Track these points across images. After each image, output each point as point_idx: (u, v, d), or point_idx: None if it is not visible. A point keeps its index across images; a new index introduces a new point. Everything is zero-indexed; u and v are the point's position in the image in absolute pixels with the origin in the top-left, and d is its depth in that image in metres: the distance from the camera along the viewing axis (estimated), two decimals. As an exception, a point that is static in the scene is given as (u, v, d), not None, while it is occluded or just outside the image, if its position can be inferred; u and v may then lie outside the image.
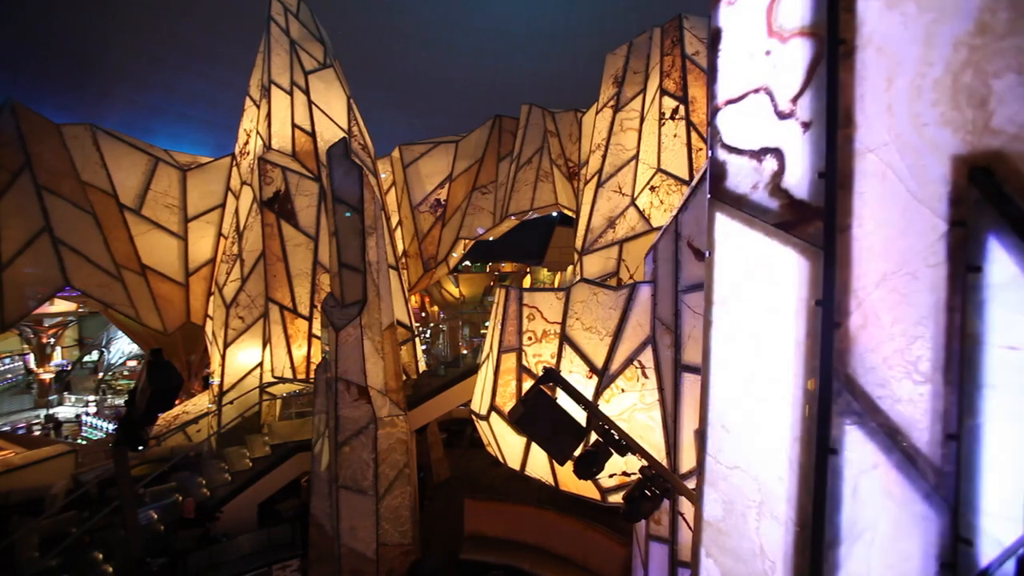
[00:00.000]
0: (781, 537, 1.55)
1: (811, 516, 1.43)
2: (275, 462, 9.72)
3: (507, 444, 7.08)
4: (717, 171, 1.74)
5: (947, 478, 1.30)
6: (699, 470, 1.92)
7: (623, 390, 6.23)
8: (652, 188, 10.83)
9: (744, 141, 1.63)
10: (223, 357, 11.83)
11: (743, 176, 1.64)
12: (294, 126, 12.31)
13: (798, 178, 1.48)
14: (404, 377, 9.01)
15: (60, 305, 23.26)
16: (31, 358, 24.20)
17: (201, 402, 12.98)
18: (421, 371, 13.09)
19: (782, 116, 1.48)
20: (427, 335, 20.15)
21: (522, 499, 9.20)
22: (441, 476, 12.36)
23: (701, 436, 1.88)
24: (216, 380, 12.19)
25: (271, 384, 11.85)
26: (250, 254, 11.95)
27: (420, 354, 13.48)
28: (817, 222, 1.41)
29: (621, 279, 10.85)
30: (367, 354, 7.63)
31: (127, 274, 12.49)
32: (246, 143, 13.05)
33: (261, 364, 11.91)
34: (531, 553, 8.43)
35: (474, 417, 7.86)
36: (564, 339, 6.73)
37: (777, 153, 1.51)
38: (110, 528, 8.34)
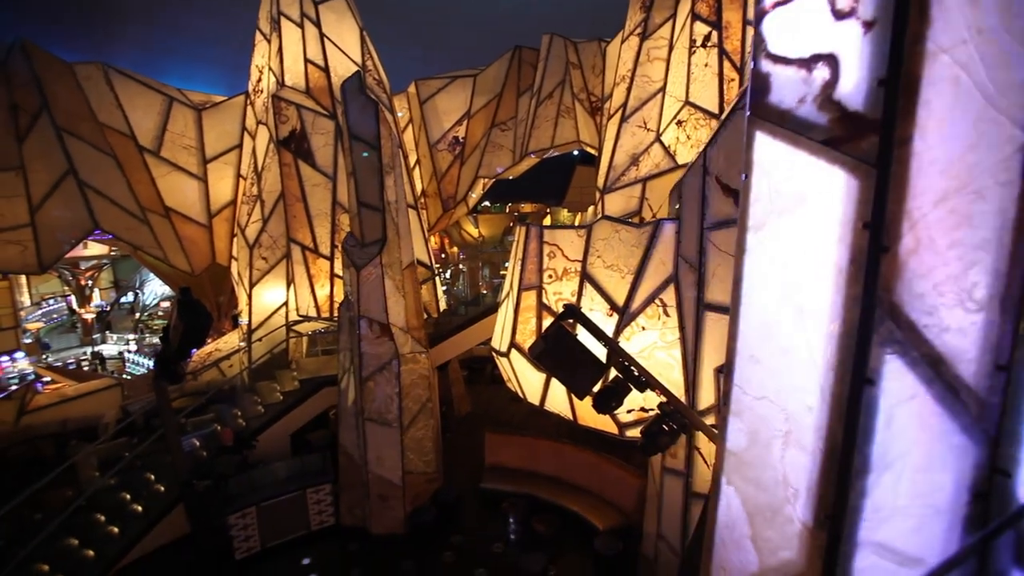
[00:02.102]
0: (806, 466, 1.54)
1: (841, 446, 1.40)
2: (304, 396, 10.17)
3: (527, 380, 7.23)
4: (760, 84, 1.58)
5: (990, 409, 1.24)
6: (724, 401, 1.90)
7: (644, 328, 6.22)
8: (679, 123, 10.30)
9: (793, 48, 1.46)
10: (249, 297, 12.14)
11: (789, 89, 1.49)
12: (306, 61, 11.89)
13: (853, 88, 1.32)
14: (425, 316, 9.15)
15: (94, 248, 23.99)
16: (73, 299, 25.30)
17: (232, 340, 13.50)
18: (442, 310, 13.28)
19: (840, 16, 1.31)
20: (447, 275, 20.31)
21: (541, 433, 9.52)
22: (462, 411, 12.82)
23: (728, 367, 1.84)
24: (244, 319, 12.60)
25: (297, 322, 12.20)
26: (269, 195, 11.95)
27: (440, 293, 13.63)
28: (872, 136, 1.27)
29: (643, 218, 10.59)
30: (388, 293, 7.72)
31: (152, 216, 12.67)
32: (259, 80, 12.71)
33: (286, 303, 12.22)
34: (548, 483, 8.82)
35: (494, 354, 8.01)
36: (585, 277, 6.67)
37: (830, 60, 1.35)
38: (158, 453, 8.97)
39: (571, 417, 6.88)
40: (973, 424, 1.27)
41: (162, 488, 8.51)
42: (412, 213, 11.95)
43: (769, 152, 1.57)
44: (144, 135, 12.91)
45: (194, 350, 10.35)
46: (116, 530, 7.89)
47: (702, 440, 5.76)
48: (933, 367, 1.28)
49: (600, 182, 12.14)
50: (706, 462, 5.82)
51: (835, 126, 1.34)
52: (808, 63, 1.42)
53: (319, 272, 11.88)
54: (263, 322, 12.13)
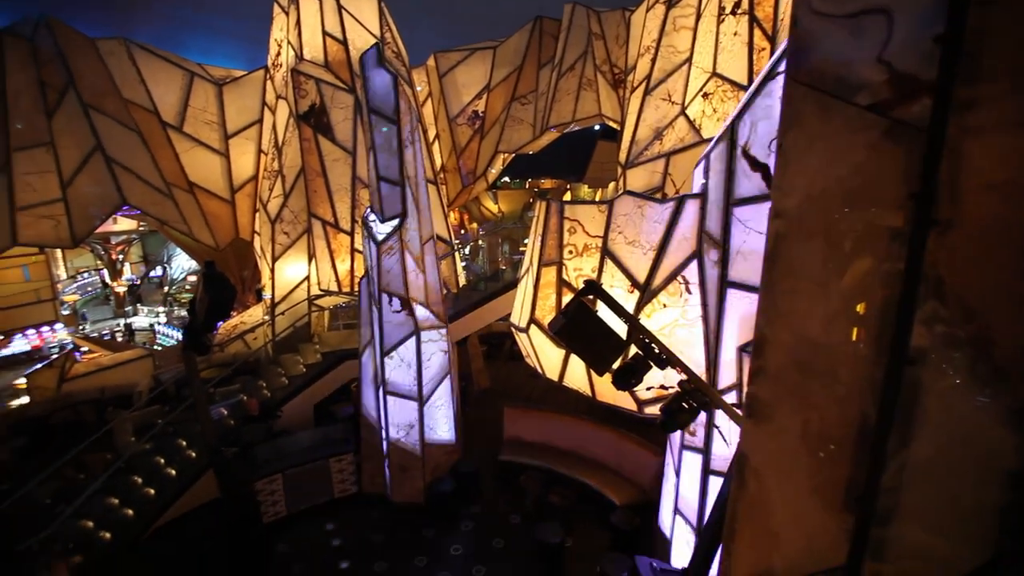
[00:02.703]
0: (839, 440, 1.49)
1: (875, 428, 1.35)
2: (326, 368, 10.40)
3: (546, 356, 7.25)
4: (801, 45, 1.48)
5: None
6: (752, 379, 1.85)
7: (665, 305, 6.14)
8: (705, 95, 9.95)
9: (839, 4, 1.36)
10: (272, 271, 12.35)
11: (834, 48, 1.39)
12: (325, 34, 11.76)
13: (906, 45, 1.23)
14: (444, 291, 9.19)
15: (123, 223, 24.64)
16: (105, 273, 26.11)
17: (256, 314, 13.79)
18: (461, 285, 13.33)
19: (894, -34, 1.20)
20: (466, 251, 20.32)
21: (559, 408, 9.59)
22: (481, 385, 12.96)
23: (758, 343, 1.79)
24: (268, 293, 12.84)
25: (318, 297, 12.39)
26: (290, 170, 12.02)
27: (460, 269, 13.65)
28: (924, 99, 1.18)
29: (666, 194, 10.36)
30: (408, 267, 7.75)
31: (177, 192, 12.87)
32: (278, 54, 12.64)
33: (308, 278, 12.40)
34: (566, 457, 8.91)
35: (514, 330, 8.03)
36: (606, 253, 6.59)
37: (882, 16, 1.25)
38: (188, 421, 9.32)
39: (590, 393, 6.90)
40: (1021, 411, 1.21)
41: (193, 454, 8.86)
42: (432, 188, 11.91)
43: (809, 116, 1.47)
44: (167, 110, 13.03)
45: (220, 323, 10.62)
46: (152, 492, 8.28)
47: (722, 418, 5.72)
48: (982, 348, 1.21)
49: (622, 157, 11.88)
50: (725, 440, 5.79)
51: (883, 88, 1.25)
52: (856, 19, 1.32)
53: (340, 247, 11.98)
54: (286, 296, 12.35)
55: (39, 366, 14.66)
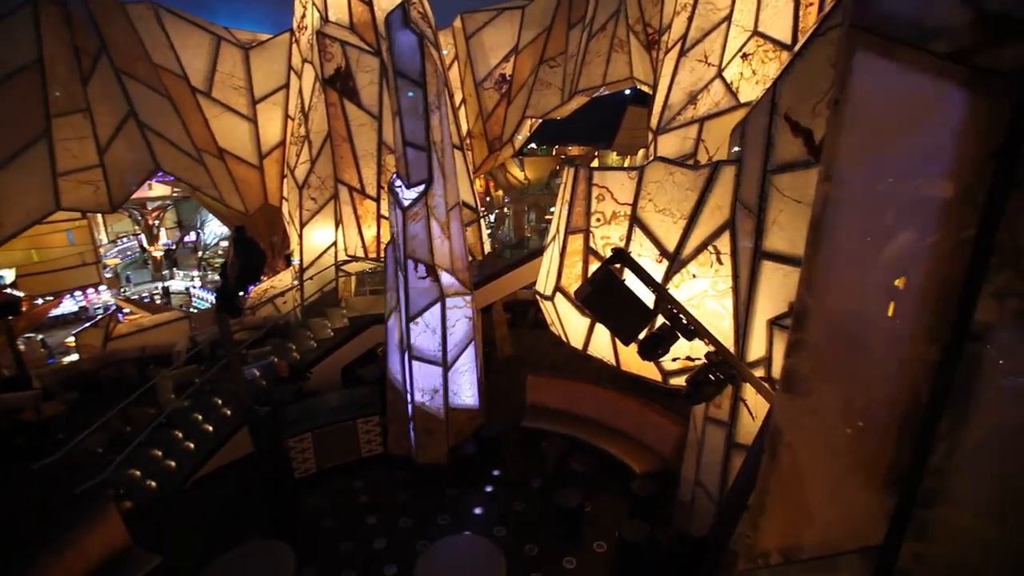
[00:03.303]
0: (884, 417, 1.42)
1: (925, 408, 1.27)
2: (353, 332, 10.62)
3: (571, 324, 7.21)
4: (868, -13, 1.33)
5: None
6: (789, 352, 1.77)
7: (694, 276, 5.99)
8: (744, 56, 9.41)
9: (916, -62, 1.20)
10: (300, 237, 12.52)
11: (907, -10, 1.24)
12: (349, -6, 11.51)
13: (995, -18, 1.08)
14: (470, 258, 9.17)
15: (158, 189, 25.28)
16: (143, 238, 27.00)
17: (285, 279, 14.10)
18: (486, 253, 13.30)
19: None
20: (492, 219, 20.18)
21: (582, 377, 9.61)
22: (505, 352, 13.06)
23: (799, 314, 1.70)
24: (296, 259, 13.07)
25: (345, 262, 12.56)
26: (316, 135, 12.01)
27: (485, 236, 13.59)
28: (1016, 45, 1.04)
29: (699, 161, 9.98)
30: (433, 234, 7.73)
31: (207, 157, 13.04)
32: (303, 16, 12.45)
33: (335, 243, 12.54)
34: (588, 425, 8.98)
35: (539, 298, 7.99)
36: (634, 221, 6.42)
37: (968, -51, 1.10)
38: (223, 381, 9.70)
39: (614, 363, 6.86)
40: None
41: (228, 412, 9.26)
42: (458, 154, 11.75)
43: (872, 71, 1.34)
44: (195, 75, 13.07)
45: (251, 286, 10.88)
46: (192, 446, 8.72)
47: (748, 391, 5.64)
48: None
49: (653, 122, 11.44)
50: (751, 414, 5.72)
51: (967, 33, 1.11)
52: (936, -45, 1.17)
53: (366, 213, 12.04)
54: (313, 261, 12.56)
55: (86, 325, 15.43)
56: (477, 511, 7.71)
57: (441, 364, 8.21)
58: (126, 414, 9.16)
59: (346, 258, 12.48)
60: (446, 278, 8.04)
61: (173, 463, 8.43)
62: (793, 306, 5.17)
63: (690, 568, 5.38)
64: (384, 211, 11.88)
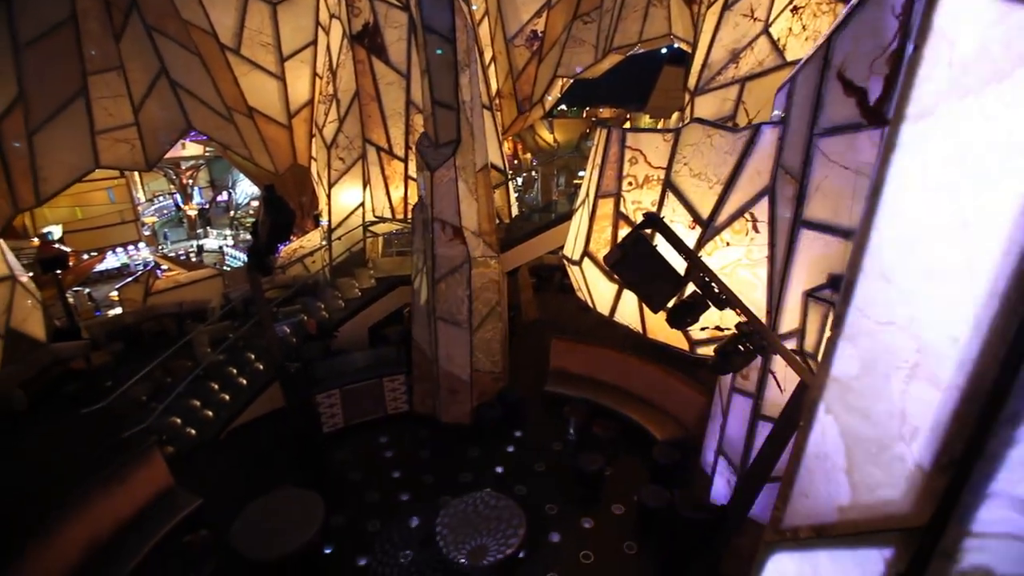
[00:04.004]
0: (936, 403, 1.33)
1: (991, 386, 1.18)
2: (380, 293, 10.75)
3: (597, 290, 7.12)
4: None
5: None
6: (836, 323, 1.68)
7: (728, 243, 5.79)
8: (794, 9, 8.77)
9: None
10: (328, 197, 12.59)
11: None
12: (378, -56, 11.09)
13: None
14: (497, 221, 9.08)
15: (191, 148, 25.68)
16: (178, 197, 27.67)
17: (314, 239, 14.29)
18: (514, 216, 13.16)
19: None
20: (520, 182, 19.88)
21: (607, 344, 9.57)
22: (530, 316, 13.08)
23: (847, 287, 1.60)
24: (325, 219, 13.19)
25: (373, 223, 12.62)
26: (344, 94, 11.87)
27: (513, 199, 13.42)
28: None
29: (738, 125, 9.51)
30: (461, 195, 7.65)
31: (237, 116, 13.07)
32: (330, -32, 12.13)
33: (363, 204, 12.58)
34: (611, 391, 9.00)
35: (566, 262, 7.89)
36: (668, 186, 6.20)
37: None
38: (255, 337, 10.02)
39: (640, 330, 6.77)
40: None
41: (260, 367, 9.60)
42: (487, 114, 11.48)
43: (960, 11, 1.18)
44: (224, 32, 12.94)
45: (281, 245, 11.07)
46: (227, 397, 9.12)
47: (777, 364, 5.51)
48: None
49: (691, 82, 10.89)
50: (779, 386, 5.61)
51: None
52: None
53: (394, 173, 11.98)
54: (341, 222, 12.65)
55: (128, 281, 16.07)
56: (498, 470, 7.90)
57: (467, 326, 8.27)
58: (166, 366, 9.60)
59: (374, 219, 12.53)
60: (473, 240, 7.99)
61: (210, 413, 8.84)
62: (830, 278, 4.95)
63: (708, 535, 5.42)
64: (412, 172, 11.80)
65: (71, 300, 13.97)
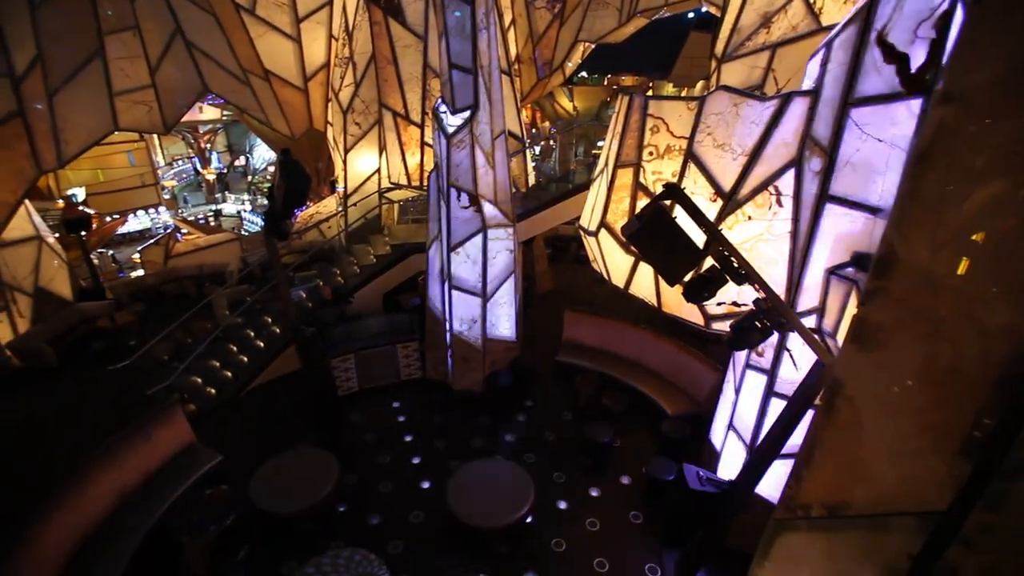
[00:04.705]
0: (972, 380, 1.27)
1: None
2: (395, 260, 10.78)
3: (613, 262, 7.03)
4: None
5: None
6: (864, 300, 1.61)
7: (750, 217, 5.63)
8: (835, -32, 8.27)
9: None
10: (344, 163, 12.51)
11: None
12: None
13: None
14: (513, 190, 8.95)
15: (208, 112, 25.62)
16: (197, 161, 27.79)
17: (330, 204, 14.30)
18: (530, 185, 12.98)
19: None
20: (537, 151, 19.52)
21: (620, 316, 9.52)
22: (544, 287, 13.05)
23: (883, 259, 1.52)
24: (341, 186, 13.16)
25: (388, 190, 12.55)
26: (361, 56, 11.64)
27: (530, 168, 13.20)
28: None
29: (766, 94, 9.14)
30: (478, 163, 7.52)
31: (253, 79, 12.92)
32: (347, -78, 11.72)
33: (378, 170, 12.49)
34: (622, 364, 9.00)
35: (582, 233, 7.79)
36: (690, 156, 6.01)
37: None
38: (272, 301, 10.17)
39: (655, 303, 6.71)
40: None
41: (277, 330, 9.77)
42: (505, 80, 11.19)
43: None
44: (239, -10, 12.68)
45: (297, 210, 11.09)
46: (245, 359, 9.33)
47: (794, 341, 5.43)
48: None
49: (719, 48, 10.44)
50: (795, 364, 5.53)
51: None
52: None
53: (410, 140, 11.83)
54: (357, 188, 12.60)
55: (149, 243, 16.34)
56: (508, 438, 8.02)
57: (480, 295, 8.27)
58: (187, 327, 9.83)
59: (389, 185, 12.46)
60: (489, 209, 7.91)
61: (229, 373, 9.07)
62: (855, 256, 4.80)
63: (714, 508, 5.47)
64: (428, 138, 11.63)
65: (95, 261, 14.28)
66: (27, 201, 10.67)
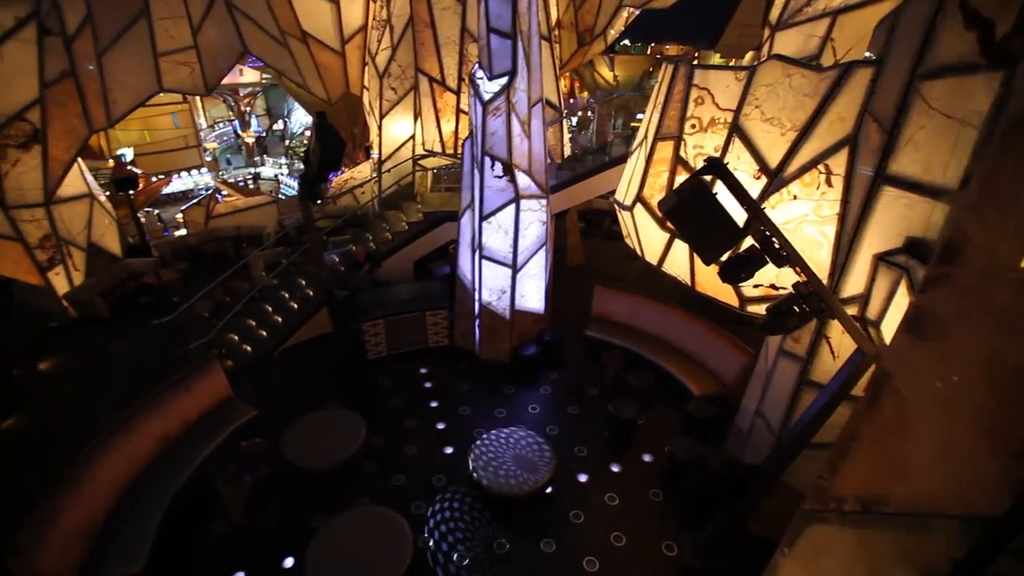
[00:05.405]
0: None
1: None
2: (426, 227, 10.80)
3: (647, 238, 6.84)
4: None
5: None
6: (924, 287, 1.49)
7: (796, 197, 5.36)
8: (911, -76, 7.56)
9: None
10: (379, 128, 12.48)
11: None
12: None
13: None
14: (548, 160, 8.77)
15: (248, 75, 25.91)
16: (237, 124, 28.29)
17: (365, 170, 14.36)
18: (566, 156, 12.71)
19: None
20: (574, 121, 19.00)
21: (651, 294, 9.35)
22: (575, 261, 12.91)
23: (950, 245, 1.39)
24: (375, 152, 13.17)
25: (422, 157, 12.50)
26: (398, 19, 11.44)
27: (566, 139, 12.90)
28: None
29: (822, 65, 8.57)
30: (513, 131, 7.36)
31: (291, 41, 12.89)
32: None
33: (413, 137, 12.42)
34: (651, 342, 8.88)
35: (616, 207, 7.59)
36: (735, 130, 5.71)
37: None
38: (306, 264, 10.40)
39: (689, 282, 6.52)
40: None
41: (311, 293, 10.01)
42: (545, 46, 10.84)
43: None
44: (276, -52, 12.54)
45: (332, 174, 11.19)
46: (279, 320, 9.62)
47: (833, 329, 5.21)
48: None
49: (774, 14, 9.82)
50: (833, 353, 5.33)
51: None
52: None
53: (445, 106, 11.68)
54: (391, 154, 12.59)
55: (191, 203, 16.87)
56: (532, 409, 8.09)
57: (510, 266, 8.23)
58: (226, 286, 10.18)
59: (423, 152, 12.39)
60: (523, 179, 7.78)
61: (264, 333, 9.39)
62: (908, 241, 4.52)
63: (736, 493, 5.41)
64: (464, 105, 11.45)
65: (142, 220, 14.85)
66: (80, 160, 11.10)
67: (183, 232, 15.82)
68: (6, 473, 6.68)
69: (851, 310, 4.90)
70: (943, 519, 1.39)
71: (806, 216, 5.33)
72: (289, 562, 5.63)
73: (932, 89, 4.13)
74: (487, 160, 7.61)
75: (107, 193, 12.80)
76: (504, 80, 7.21)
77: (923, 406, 1.48)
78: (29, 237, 9.81)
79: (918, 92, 4.22)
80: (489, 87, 7.34)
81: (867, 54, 5.10)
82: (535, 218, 8.07)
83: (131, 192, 12.89)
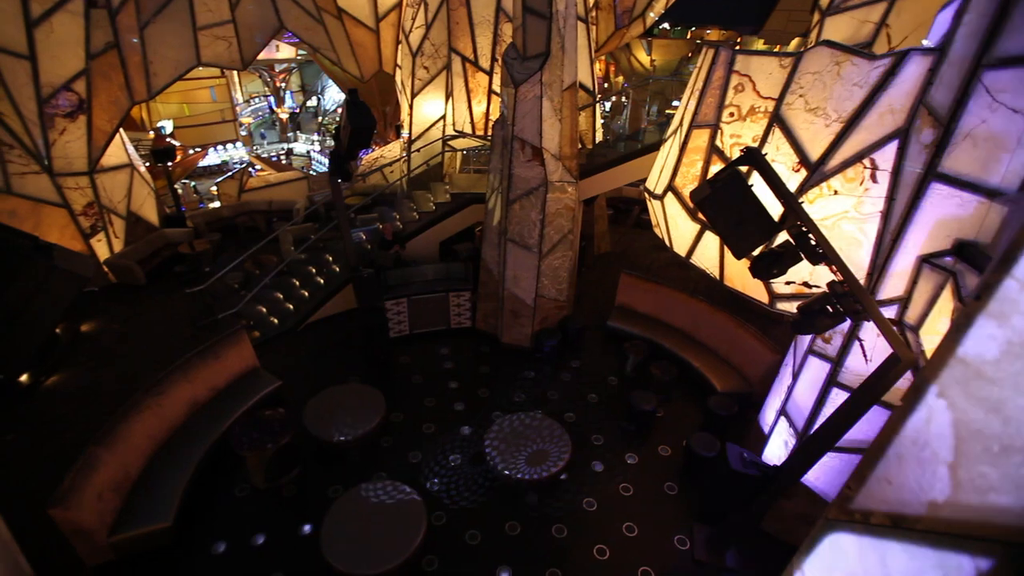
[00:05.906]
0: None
1: None
2: (454, 209, 10.78)
3: (677, 228, 6.69)
4: None
5: None
6: (977, 294, 1.38)
7: (836, 192, 5.13)
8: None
9: None
10: (411, 107, 12.45)
11: None
12: None
13: None
14: (579, 146, 8.60)
15: (284, 51, 26.17)
16: (272, 99, 28.68)
17: (394, 149, 14.41)
18: (597, 142, 12.47)
19: None
20: (607, 107, 18.61)
21: (677, 286, 9.17)
22: (602, 249, 12.74)
23: (1008, 252, 1.29)
24: (405, 131, 13.16)
25: (452, 138, 12.44)
26: (433, -4, 11.31)
27: (598, 124, 12.63)
28: None
29: (875, 53, 8.12)
30: (545, 114, 7.23)
31: (326, 17, 12.90)
32: None
33: (443, 117, 12.36)
34: (675, 335, 8.73)
35: (647, 195, 7.43)
36: (776, 119, 5.48)
37: None
38: (334, 240, 10.53)
39: (717, 276, 6.37)
40: None
41: (337, 269, 10.15)
42: (581, 27, 10.59)
43: None
44: (314, -76, 12.50)
45: (362, 152, 11.24)
46: (306, 294, 9.80)
47: (868, 331, 5.01)
48: None
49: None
50: (866, 357, 5.13)
51: None
52: None
53: (477, 87, 11.56)
54: (422, 134, 12.57)
55: (226, 176, 17.24)
56: (551, 395, 8.08)
57: (536, 251, 8.17)
58: (256, 259, 10.40)
59: (453, 133, 12.33)
60: (552, 164, 7.66)
61: (291, 306, 9.59)
62: (957, 244, 4.28)
63: (753, 492, 5.31)
64: (496, 86, 11.31)
65: (180, 191, 15.27)
66: (122, 130, 11.41)
67: (217, 204, 16.22)
68: (50, 428, 7.05)
69: (889, 312, 4.70)
70: (981, 542, 1.30)
71: (846, 213, 5.10)
72: (307, 528, 5.81)
73: (999, 80, 3.85)
74: (517, 143, 7.52)
75: (147, 164, 13.17)
76: (538, 62, 7.07)
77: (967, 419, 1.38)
78: (74, 204, 10.18)
79: (982, 83, 3.94)
80: (522, 68, 7.21)
81: (925, 42, 4.79)
82: (563, 203, 7.96)
83: (169, 164, 13.23)
